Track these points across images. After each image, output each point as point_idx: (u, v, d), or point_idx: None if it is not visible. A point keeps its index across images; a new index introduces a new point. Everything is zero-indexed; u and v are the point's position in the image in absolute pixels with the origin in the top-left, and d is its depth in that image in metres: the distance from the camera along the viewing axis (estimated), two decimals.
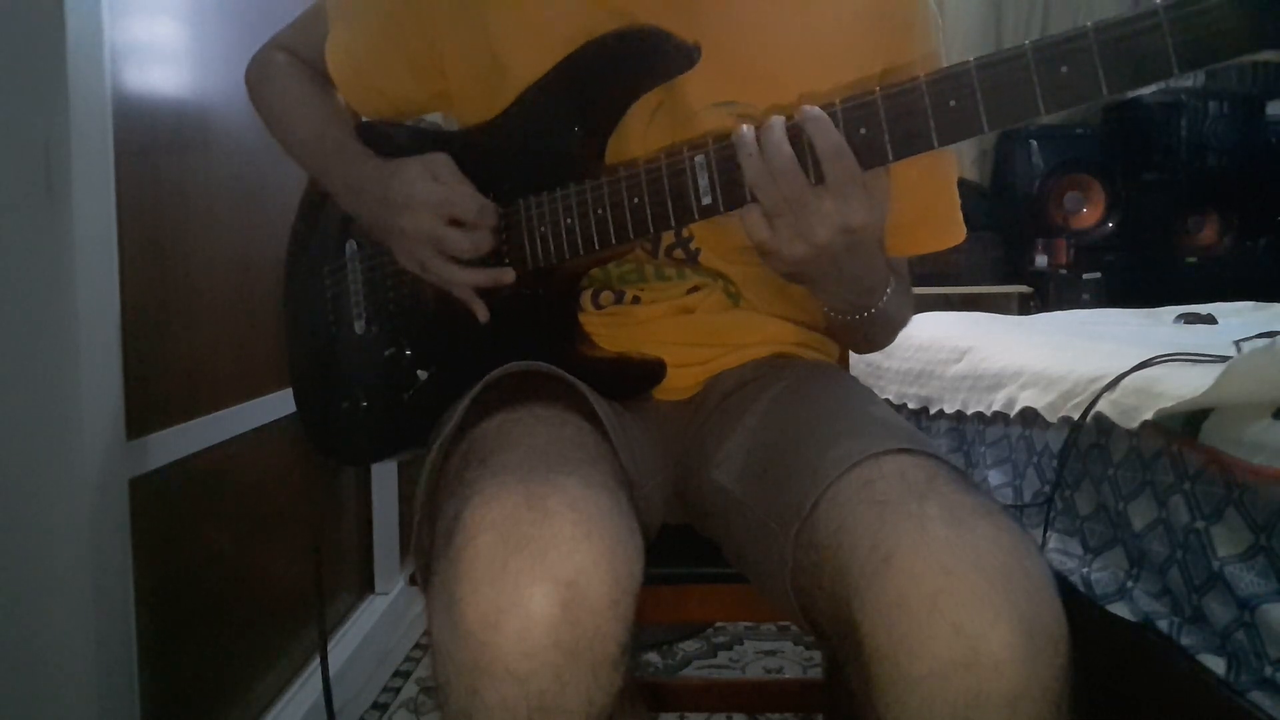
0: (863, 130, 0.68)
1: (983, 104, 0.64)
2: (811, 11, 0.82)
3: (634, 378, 0.87)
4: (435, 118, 1.04)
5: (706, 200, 0.74)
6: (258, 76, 0.99)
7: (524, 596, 0.55)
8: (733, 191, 0.73)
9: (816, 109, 0.68)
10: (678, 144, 0.77)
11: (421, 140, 0.93)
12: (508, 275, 0.85)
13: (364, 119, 0.97)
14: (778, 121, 0.69)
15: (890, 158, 0.68)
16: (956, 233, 0.92)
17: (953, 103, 0.65)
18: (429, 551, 0.68)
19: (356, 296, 0.97)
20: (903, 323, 0.93)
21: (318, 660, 1.48)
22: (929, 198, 0.90)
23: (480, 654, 0.55)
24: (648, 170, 0.76)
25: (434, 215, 0.82)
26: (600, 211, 0.79)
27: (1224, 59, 0.57)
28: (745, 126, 0.70)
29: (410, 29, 0.88)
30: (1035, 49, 0.62)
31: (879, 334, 0.93)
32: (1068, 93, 0.62)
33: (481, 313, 0.86)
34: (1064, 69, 0.61)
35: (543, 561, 0.56)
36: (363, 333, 0.97)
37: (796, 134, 0.69)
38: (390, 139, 0.93)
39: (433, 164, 0.84)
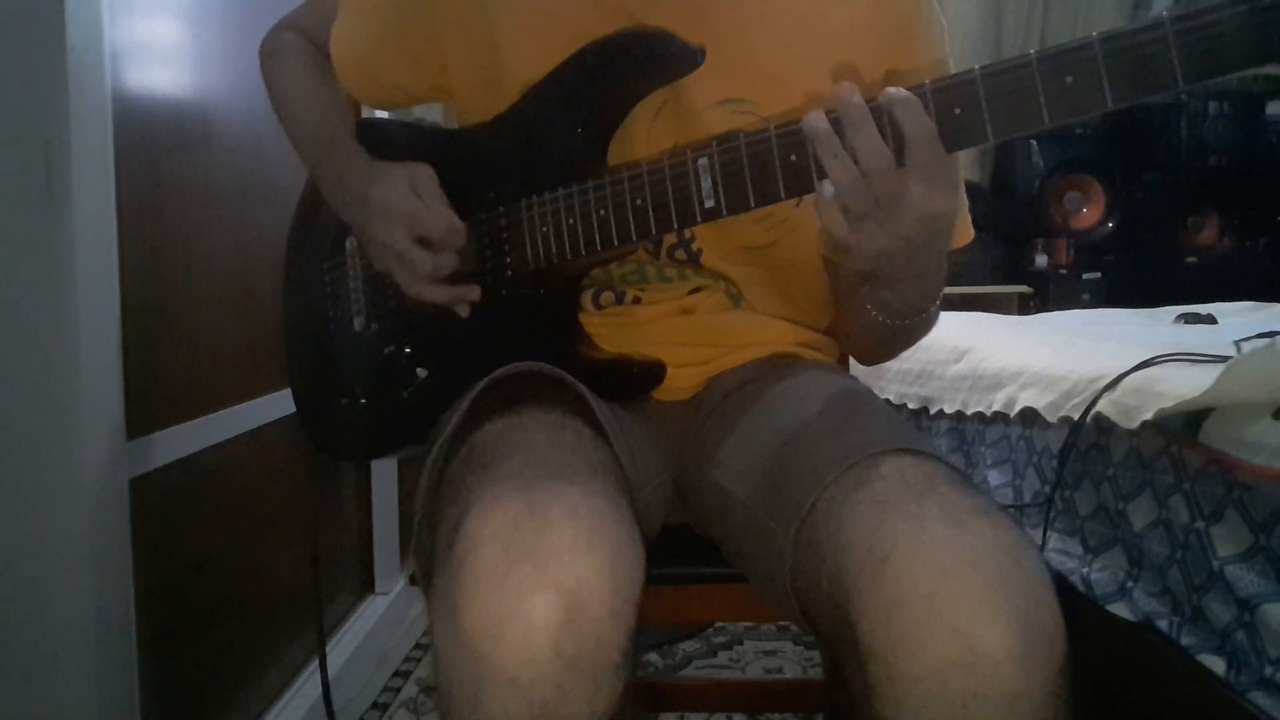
0: None
1: (988, 113, 0.64)
2: (815, 9, 0.82)
3: (635, 379, 0.87)
4: (435, 116, 1.04)
5: (709, 203, 0.74)
6: (270, 55, 0.99)
7: (526, 606, 0.55)
8: (736, 194, 0.73)
9: (904, 91, 0.64)
10: (681, 145, 0.76)
11: (421, 139, 0.93)
12: (472, 294, 0.85)
13: (364, 116, 0.98)
14: (860, 108, 0.64)
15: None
16: (964, 234, 0.92)
17: (958, 110, 0.64)
18: (430, 553, 0.68)
19: (356, 293, 0.97)
20: (932, 325, 0.90)
21: (317, 660, 1.48)
22: None
23: (482, 664, 0.55)
24: (650, 172, 0.76)
25: (403, 229, 0.82)
26: (602, 212, 0.79)
27: (1228, 73, 0.57)
28: (814, 116, 0.66)
29: (412, 21, 0.88)
30: (1040, 58, 0.62)
31: (916, 337, 0.89)
32: (1072, 103, 0.61)
33: (462, 310, 0.86)
34: (1069, 79, 0.61)
35: (544, 571, 0.56)
36: (362, 330, 0.97)
37: (878, 117, 0.65)
38: (390, 136, 0.93)
39: (416, 176, 0.85)
